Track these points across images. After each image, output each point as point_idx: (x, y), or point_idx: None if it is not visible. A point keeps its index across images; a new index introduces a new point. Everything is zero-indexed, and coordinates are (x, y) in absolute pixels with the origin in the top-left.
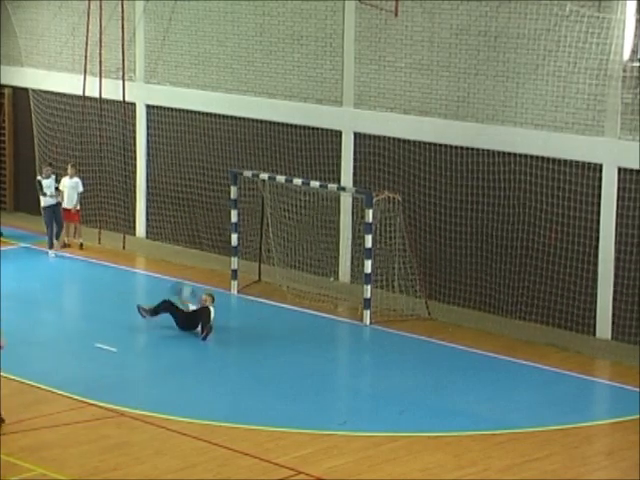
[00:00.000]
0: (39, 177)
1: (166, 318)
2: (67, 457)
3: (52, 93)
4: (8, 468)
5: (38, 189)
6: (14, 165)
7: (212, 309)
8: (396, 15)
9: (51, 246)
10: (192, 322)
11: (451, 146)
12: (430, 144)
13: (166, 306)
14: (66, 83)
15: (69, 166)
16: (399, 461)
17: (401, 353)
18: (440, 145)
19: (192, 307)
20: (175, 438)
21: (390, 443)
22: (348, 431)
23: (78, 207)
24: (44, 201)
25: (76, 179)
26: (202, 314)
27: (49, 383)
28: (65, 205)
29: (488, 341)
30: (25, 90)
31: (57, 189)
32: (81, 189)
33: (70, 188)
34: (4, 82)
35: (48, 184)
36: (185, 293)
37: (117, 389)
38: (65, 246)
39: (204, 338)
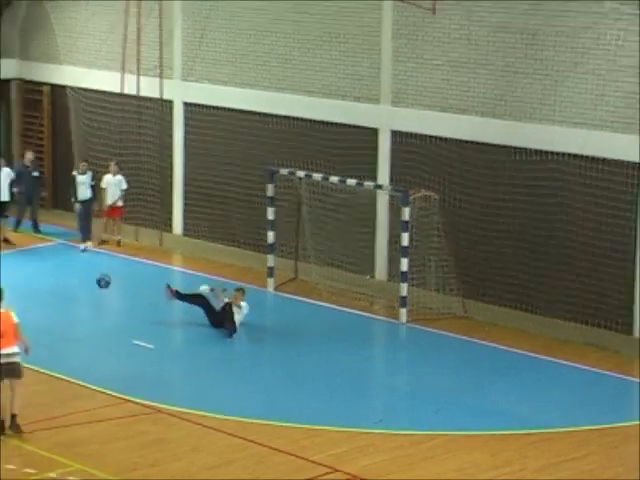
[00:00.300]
0: (74, 172)
1: (201, 316)
2: (104, 453)
3: (90, 91)
4: (46, 463)
5: (71, 185)
6: (52, 162)
7: (244, 304)
8: (434, 13)
9: (84, 240)
10: (219, 320)
11: (488, 144)
12: (467, 142)
13: (199, 301)
14: (104, 81)
15: (112, 164)
16: (435, 460)
17: (437, 351)
18: (477, 143)
19: (221, 305)
20: (211, 435)
21: (426, 442)
22: (384, 429)
23: (120, 204)
24: (78, 196)
25: (119, 177)
26: (226, 312)
27: (87, 379)
28: (108, 202)
29: (525, 340)
30: (63, 88)
31: (92, 186)
32: (124, 186)
33: (113, 185)
34: (43, 80)
35: (83, 180)
36: (202, 287)
37: (154, 386)
38: (103, 243)
39: (229, 336)
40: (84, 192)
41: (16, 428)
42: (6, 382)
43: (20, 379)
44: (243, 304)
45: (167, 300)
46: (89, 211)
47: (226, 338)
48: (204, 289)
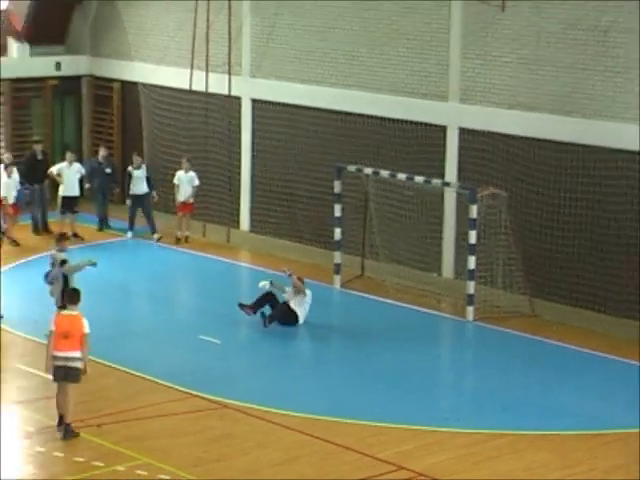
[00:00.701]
0: (130, 167)
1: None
2: (171, 447)
3: (160, 87)
4: (114, 456)
5: (127, 180)
6: (122, 158)
7: (308, 292)
8: (503, 10)
9: (131, 228)
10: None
11: (557, 142)
12: (536, 140)
13: (268, 298)
14: (173, 77)
15: (183, 160)
16: (502, 459)
17: (504, 350)
18: (546, 141)
19: (285, 297)
20: (277, 431)
21: (493, 440)
22: (451, 428)
23: (191, 200)
24: (133, 190)
25: (191, 173)
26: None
27: (154, 374)
28: (180, 199)
29: (594, 340)
30: (133, 84)
31: (148, 179)
32: (197, 183)
33: (185, 182)
34: (113, 76)
35: (138, 174)
36: (261, 284)
37: (220, 381)
38: (179, 241)
39: (264, 324)
40: (140, 186)
41: (70, 434)
42: (63, 384)
43: (75, 384)
44: (307, 291)
45: (233, 295)
46: (148, 204)
47: (300, 332)
48: (263, 284)
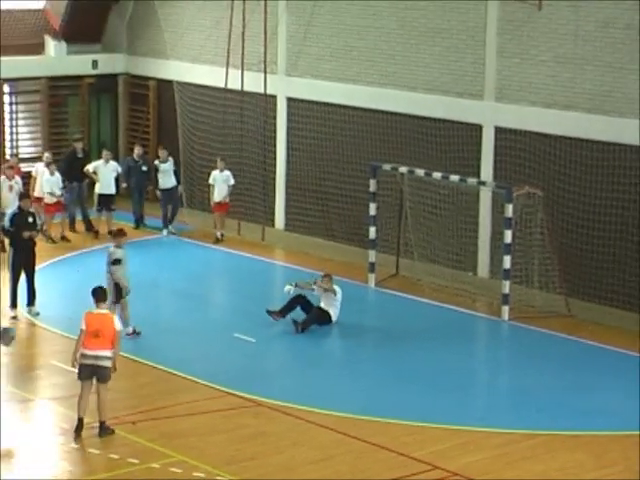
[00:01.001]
0: (156, 161)
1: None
2: (206, 445)
3: (195, 85)
4: (149, 454)
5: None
6: (158, 156)
7: (337, 289)
8: (540, 8)
9: (166, 226)
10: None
11: (594, 141)
12: (573, 139)
13: (298, 301)
14: (209, 75)
15: (218, 160)
16: (537, 459)
17: (540, 350)
18: (583, 140)
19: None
20: (312, 429)
21: (528, 440)
22: (485, 427)
23: (227, 200)
24: (161, 184)
25: (227, 172)
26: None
27: (189, 372)
28: (216, 199)
29: (629, 340)
30: (169, 82)
31: (176, 173)
32: (232, 182)
33: (221, 181)
34: (149, 74)
35: (165, 168)
36: (286, 289)
37: (255, 379)
38: (218, 241)
39: (295, 327)
40: (167, 180)
41: (106, 431)
42: (87, 384)
43: (106, 384)
44: (337, 289)
45: (267, 293)
46: (175, 198)
47: (295, 332)
48: (288, 289)
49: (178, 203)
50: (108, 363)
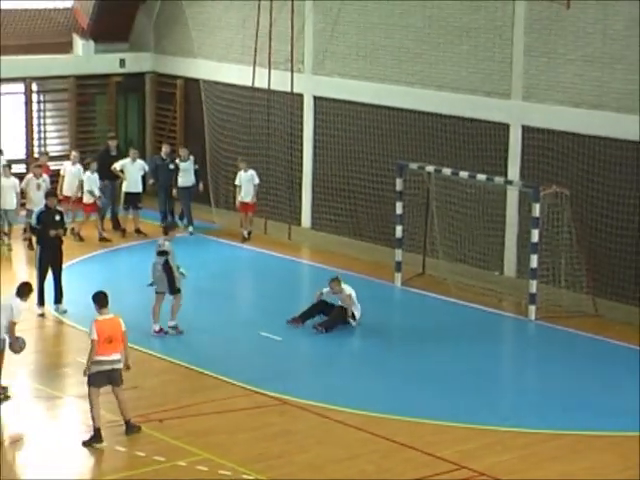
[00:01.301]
0: (177, 160)
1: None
2: (232, 443)
3: (222, 84)
4: (176, 451)
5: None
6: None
7: (346, 287)
8: (568, 7)
9: (191, 223)
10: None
11: (622, 140)
12: (600, 138)
13: (318, 307)
14: (236, 74)
15: (239, 161)
16: (564, 459)
17: (566, 350)
18: (611, 139)
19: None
20: (338, 428)
21: (555, 441)
22: (512, 427)
23: (254, 200)
24: (181, 182)
25: (251, 172)
26: (340, 309)
27: (215, 370)
28: (242, 199)
29: None
30: (196, 81)
31: (196, 172)
32: (257, 181)
33: (246, 182)
34: (177, 73)
35: (185, 167)
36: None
37: (281, 378)
38: (245, 240)
39: (319, 330)
40: (187, 179)
41: (132, 429)
42: (98, 392)
43: (120, 386)
44: (347, 289)
45: (293, 292)
46: (191, 197)
47: (319, 333)
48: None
49: (191, 201)
50: (121, 365)
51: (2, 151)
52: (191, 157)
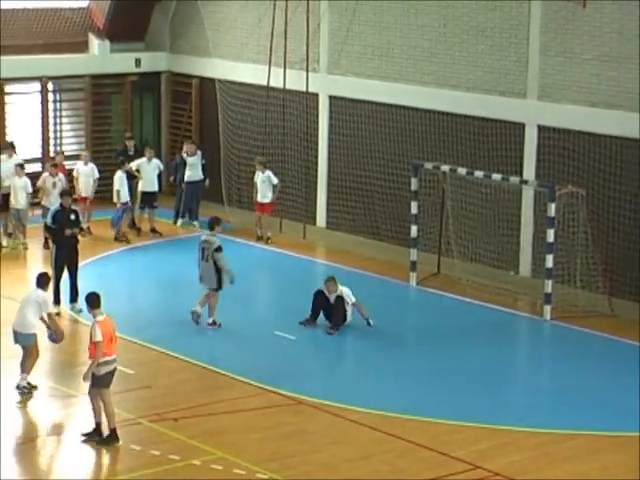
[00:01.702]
0: (184, 155)
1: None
2: (246, 442)
3: (237, 83)
4: (190, 451)
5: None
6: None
7: (343, 288)
8: (584, 7)
9: (182, 216)
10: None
11: (638, 139)
12: (616, 137)
13: (319, 300)
14: (251, 73)
15: (256, 162)
16: (578, 460)
17: (582, 350)
18: (627, 139)
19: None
20: (352, 428)
21: (569, 441)
22: (526, 427)
23: (270, 200)
24: (187, 176)
25: (267, 172)
26: (337, 304)
27: (229, 369)
28: (259, 199)
29: None
30: (211, 80)
31: (204, 166)
32: (275, 181)
33: (261, 182)
34: (192, 72)
35: (193, 162)
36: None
37: (295, 377)
38: (259, 239)
39: (332, 333)
40: (194, 173)
41: (114, 439)
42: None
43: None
44: (341, 288)
45: (308, 291)
46: (199, 192)
47: (327, 334)
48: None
49: (200, 197)
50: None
51: (15, 149)
52: (198, 152)
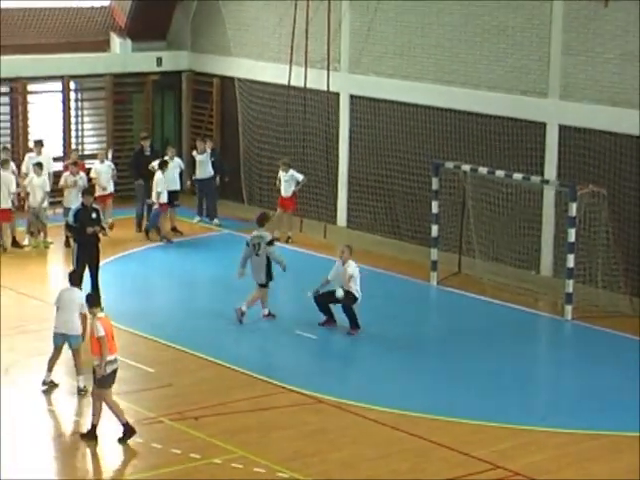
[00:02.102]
0: (194, 152)
1: (365, 308)
2: (267, 441)
3: (258, 82)
4: (211, 449)
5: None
6: (220, 153)
7: (352, 263)
8: (606, 5)
9: (200, 214)
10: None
11: None
12: (639, 137)
13: (324, 300)
14: (272, 72)
15: (281, 164)
16: (600, 460)
17: (603, 350)
18: None
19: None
20: (372, 427)
21: (591, 441)
22: (548, 427)
23: (291, 194)
24: (197, 174)
25: (291, 171)
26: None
27: (250, 368)
28: (283, 194)
29: None
30: (232, 79)
31: (214, 163)
32: (300, 178)
33: (285, 182)
34: (213, 71)
35: (202, 159)
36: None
37: (316, 376)
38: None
39: (353, 334)
40: (203, 171)
41: (91, 436)
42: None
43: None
44: (352, 263)
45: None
46: (211, 189)
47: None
48: (309, 296)
49: (215, 194)
50: None
51: (40, 148)
52: (208, 150)
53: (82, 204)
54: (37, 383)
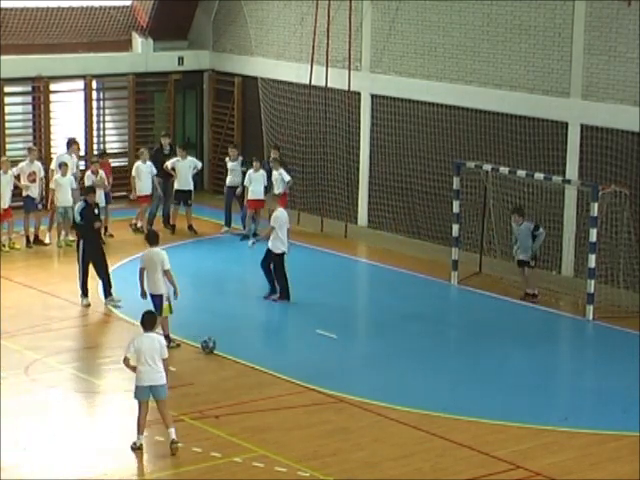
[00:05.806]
0: (226, 159)
1: (383, 306)
2: (288, 440)
3: (279, 82)
4: (231, 448)
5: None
6: (242, 153)
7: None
8: (629, 5)
9: (228, 224)
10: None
11: None
12: None
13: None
14: (293, 72)
15: (272, 160)
16: (622, 461)
17: (625, 350)
18: None
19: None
20: (394, 426)
21: (613, 442)
22: (570, 427)
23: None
24: (229, 181)
25: (281, 170)
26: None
27: (271, 367)
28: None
29: None
30: (254, 79)
31: (243, 173)
32: (287, 178)
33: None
34: (234, 71)
35: (233, 167)
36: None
37: (337, 375)
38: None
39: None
40: (234, 178)
41: None
42: None
43: None
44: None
45: (350, 290)
46: (233, 197)
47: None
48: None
49: (231, 201)
50: None
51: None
52: (240, 158)
53: (85, 201)
54: (57, 381)
